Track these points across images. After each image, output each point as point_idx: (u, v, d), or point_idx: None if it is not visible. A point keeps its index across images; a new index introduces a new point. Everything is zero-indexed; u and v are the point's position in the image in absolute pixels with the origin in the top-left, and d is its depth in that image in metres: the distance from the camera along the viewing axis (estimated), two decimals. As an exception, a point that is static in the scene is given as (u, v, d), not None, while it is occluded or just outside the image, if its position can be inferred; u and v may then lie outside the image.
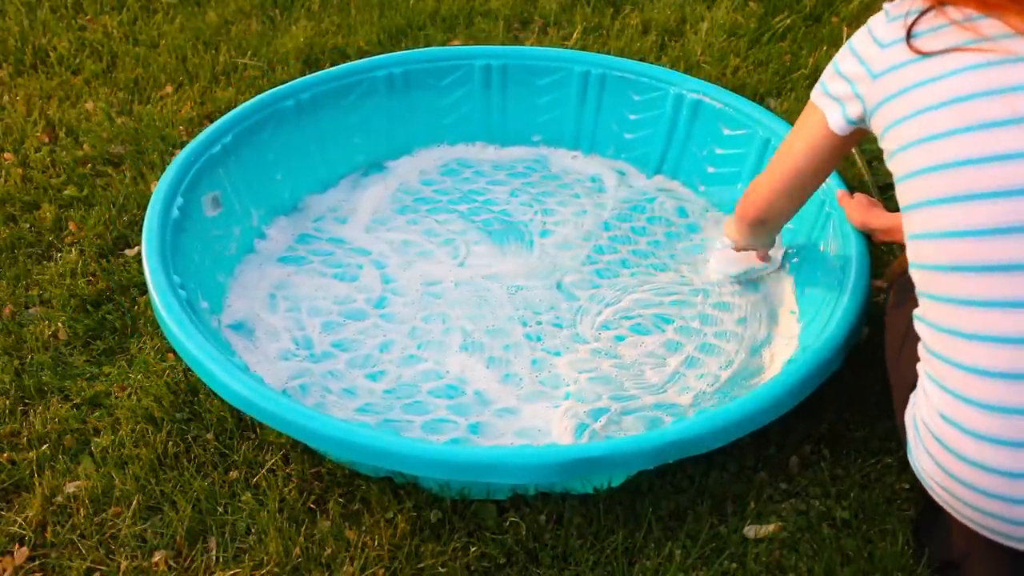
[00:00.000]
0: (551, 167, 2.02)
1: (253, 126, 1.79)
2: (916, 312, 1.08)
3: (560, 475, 1.19)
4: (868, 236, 1.52)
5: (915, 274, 1.07)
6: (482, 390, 1.49)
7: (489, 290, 1.69)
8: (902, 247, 1.60)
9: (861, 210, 1.53)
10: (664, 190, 1.94)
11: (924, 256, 1.04)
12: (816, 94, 1.23)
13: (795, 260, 1.68)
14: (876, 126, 1.12)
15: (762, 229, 1.49)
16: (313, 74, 1.92)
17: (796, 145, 1.30)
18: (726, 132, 1.85)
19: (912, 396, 1.11)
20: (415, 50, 2.04)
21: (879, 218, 1.51)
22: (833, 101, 1.19)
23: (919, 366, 1.08)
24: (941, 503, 1.09)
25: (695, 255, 1.77)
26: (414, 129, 2.01)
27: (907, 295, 1.20)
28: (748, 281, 1.67)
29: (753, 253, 1.63)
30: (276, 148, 1.84)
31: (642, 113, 1.95)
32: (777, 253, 1.67)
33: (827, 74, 1.21)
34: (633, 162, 2.00)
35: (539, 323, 1.62)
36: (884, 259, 1.66)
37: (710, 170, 1.89)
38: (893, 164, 1.08)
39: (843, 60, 1.16)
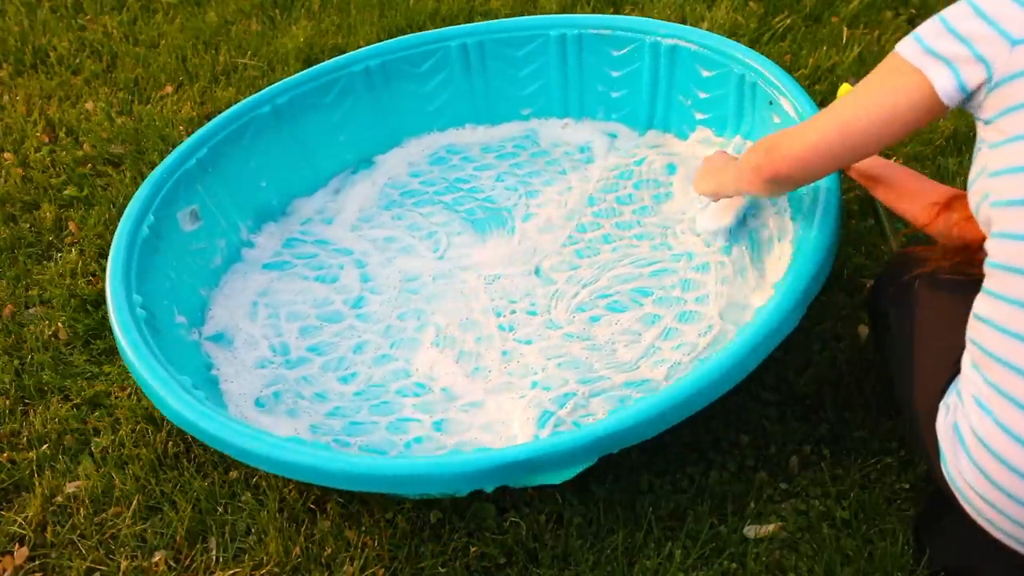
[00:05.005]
0: (541, 142, 1.99)
1: (230, 137, 1.77)
2: (981, 314, 0.99)
3: (460, 485, 1.17)
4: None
5: (995, 274, 0.98)
6: (449, 386, 1.48)
7: (465, 282, 1.67)
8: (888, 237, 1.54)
9: None
10: (656, 146, 1.91)
11: (1011, 257, 0.95)
12: (913, 52, 1.02)
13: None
14: (997, 102, 0.97)
15: (779, 187, 1.28)
16: (287, 77, 1.90)
17: (870, 104, 1.07)
18: (705, 74, 1.82)
19: (943, 404, 1.05)
20: (388, 40, 1.99)
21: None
22: (941, 63, 1.00)
23: (969, 372, 1.01)
24: (975, 514, 1.03)
25: (684, 215, 1.74)
26: (400, 120, 1.99)
27: (908, 301, 1.18)
28: (742, 224, 1.59)
29: (737, 198, 1.55)
30: (258, 156, 1.83)
31: (623, 68, 1.93)
32: None
33: (930, 31, 1.01)
34: (624, 121, 1.97)
35: (513, 312, 1.60)
36: (878, 254, 1.66)
37: (698, 117, 1.87)
38: (1007, 151, 0.96)
39: (960, 18, 0.99)
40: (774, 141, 1.24)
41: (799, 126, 1.22)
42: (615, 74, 1.94)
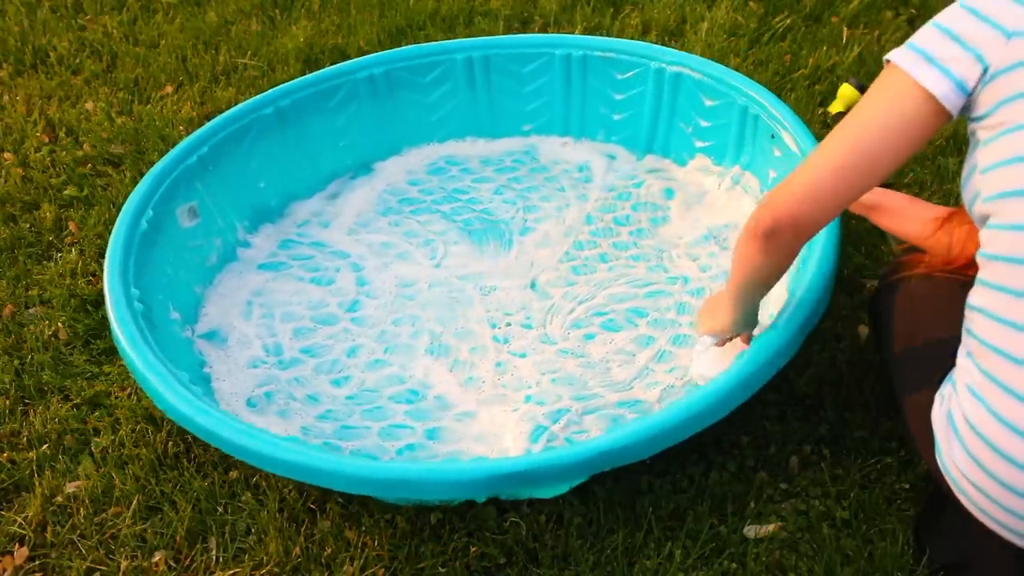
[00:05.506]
0: (540, 158, 2.00)
1: (231, 136, 1.78)
2: (976, 304, 0.99)
3: (458, 493, 1.18)
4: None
5: (992, 265, 0.97)
6: (443, 395, 1.48)
7: (462, 291, 1.67)
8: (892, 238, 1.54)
9: None
10: (654, 171, 1.92)
11: (1009, 248, 0.95)
12: (908, 60, 0.99)
13: None
14: (991, 95, 0.96)
15: (779, 240, 1.09)
16: (291, 80, 1.91)
17: (868, 117, 1.01)
18: (707, 103, 1.83)
19: (939, 395, 1.06)
20: (394, 49, 2.01)
21: None
22: (933, 67, 0.98)
23: (964, 361, 1.02)
24: (969, 504, 1.04)
25: (681, 239, 1.74)
26: (401, 129, 2.00)
27: (905, 297, 1.18)
28: None
29: (738, 343, 1.38)
30: (259, 156, 1.83)
31: (626, 92, 1.94)
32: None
33: (927, 38, 0.99)
34: (623, 143, 1.98)
35: (508, 324, 1.60)
36: (878, 254, 1.66)
37: (698, 144, 1.88)
38: (998, 145, 0.95)
39: (957, 20, 0.98)
40: (770, 193, 1.11)
41: (806, 160, 1.09)
42: (618, 97, 1.96)
